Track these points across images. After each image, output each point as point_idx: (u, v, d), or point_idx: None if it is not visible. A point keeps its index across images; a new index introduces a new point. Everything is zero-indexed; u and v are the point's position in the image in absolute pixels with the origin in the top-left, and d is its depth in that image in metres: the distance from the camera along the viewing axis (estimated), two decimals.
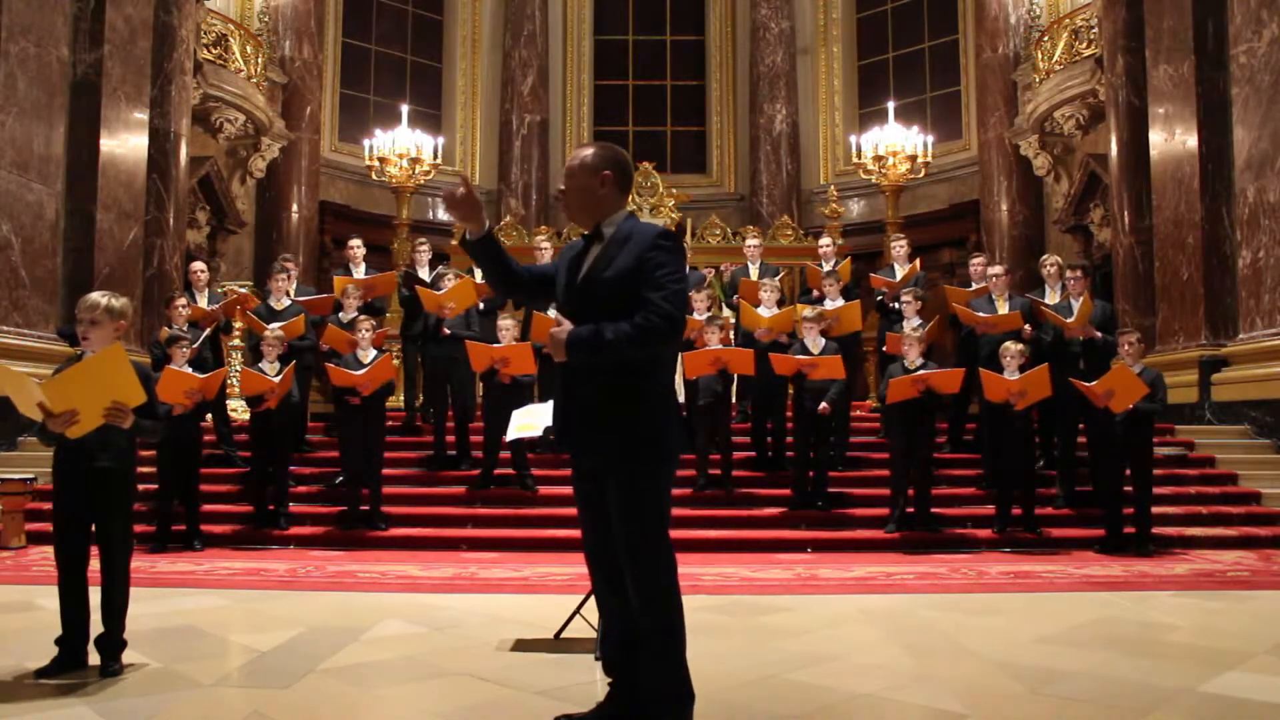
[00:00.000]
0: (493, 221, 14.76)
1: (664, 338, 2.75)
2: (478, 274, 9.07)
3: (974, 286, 8.52)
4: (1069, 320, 7.52)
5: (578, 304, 2.88)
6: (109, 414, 3.45)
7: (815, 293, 8.77)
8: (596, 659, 3.80)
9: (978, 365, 7.66)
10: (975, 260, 8.86)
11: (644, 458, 2.79)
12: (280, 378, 7.10)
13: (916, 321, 8.00)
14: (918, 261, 9.16)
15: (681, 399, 8.76)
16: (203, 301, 8.45)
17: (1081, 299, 7.65)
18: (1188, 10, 9.83)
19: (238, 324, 9.34)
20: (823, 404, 7.28)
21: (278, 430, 7.25)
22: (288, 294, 8.56)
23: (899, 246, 9.15)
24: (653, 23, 18.14)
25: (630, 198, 12.74)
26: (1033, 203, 14.14)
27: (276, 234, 14.05)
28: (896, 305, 8.67)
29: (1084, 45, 12.55)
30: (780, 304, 8.43)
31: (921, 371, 7.05)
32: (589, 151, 2.96)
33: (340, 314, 8.38)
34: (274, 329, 7.58)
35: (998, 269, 8.40)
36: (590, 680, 3.56)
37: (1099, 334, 7.52)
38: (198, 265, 8.79)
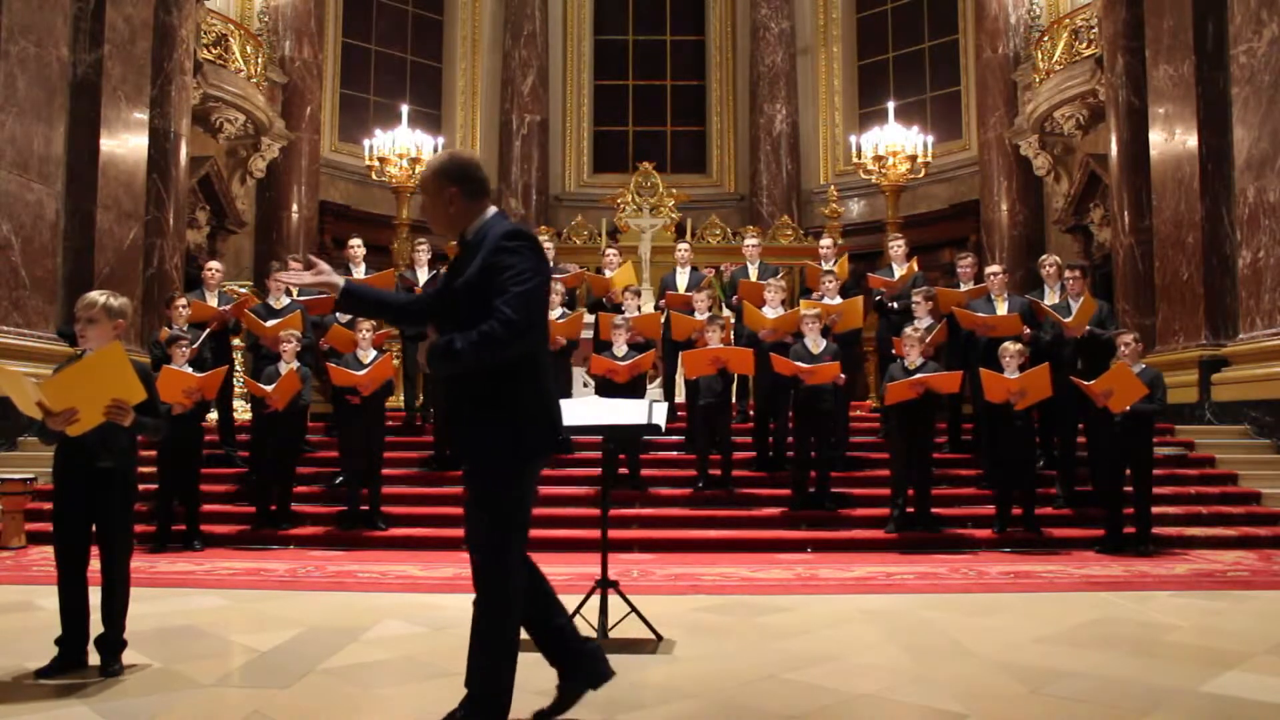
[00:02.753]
0: None
1: (506, 343, 2.70)
2: None
3: (963, 288, 8.50)
4: (1068, 320, 7.51)
5: (442, 314, 2.88)
6: (109, 412, 3.44)
7: (816, 293, 8.75)
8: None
9: (971, 366, 7.64)
10: (964, 261, 8.84)
11: (498, 460, 2.80)
12: (274, 386, 7.07)
13: (928, 321, 7.98)
14: (914, 261, 9.13)
15: (681, 399, 8.78)
16: (212, 300, 8.45)
17: (1083, 298, 7.63)
18: (1188, 10, 9.83)
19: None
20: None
21: (286, 432, 7.25)
22: (286, 293, 8.55)
23: (896, 247, 9.13)
24: (653, 23, 18.15)
25: (631, 197, 12.80)
26: (1033, 203, 14.14)
27: (276, 234, 14.05)
28: (895, 306, 8.66)
29: (1084, 45, 12.55)
30: (784, 304, 8.42)
31: (920, 375, 7.05)
32: (428, 172, 2.92)
33: (343, 314, 8.37)
34: (288, 332, 7.51)
35: (996, 268, 8.39)
36: None
37: (1102, 332, 7.50)
38: (214, 265, 8.79)
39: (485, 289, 2.74)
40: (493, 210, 2.91)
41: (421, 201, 2.95)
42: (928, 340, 7.51)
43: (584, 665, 3.03)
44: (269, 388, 7.07)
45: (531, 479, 2.90)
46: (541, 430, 2.87)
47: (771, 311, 8.09)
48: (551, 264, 9.62)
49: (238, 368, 9.70)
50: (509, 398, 2.81)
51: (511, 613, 2.83)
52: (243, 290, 9.72)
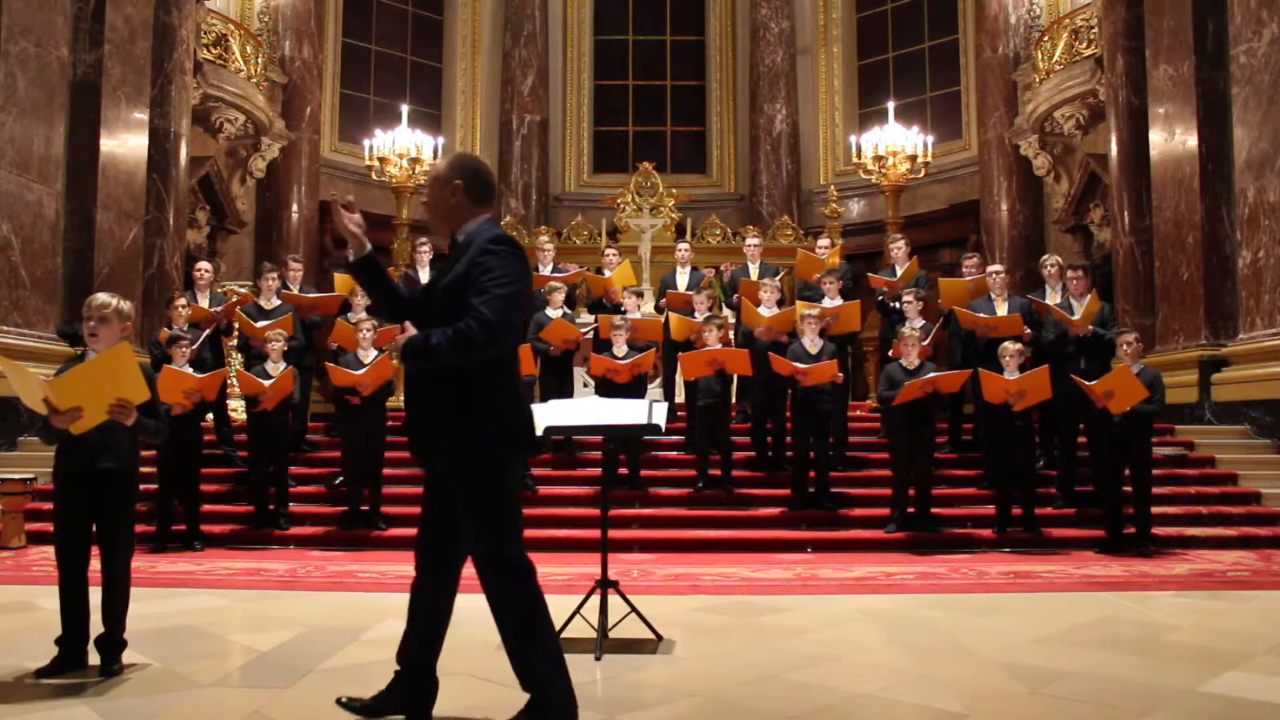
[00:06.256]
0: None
1: (481, 343, 2.75)
2: None
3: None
4: (1074, 318, 7.50)
5: (424, 312, 2.94)
6: (113, 410, 3.45)
7: (812, 293, 8.73)
8: (597, 659, 3.81)
9: (975, 365, 7.64)
10: (969, 261, 8.85)
11: (485, 462, 2.83)
12: (271, 381, 7.08)
13: (920, 322, 7.98)
14: (915, 260, 9.13)
15: (681, 399, 8.78)
16: (204, 301, 8.44)
17: (1088, 298, 7.62)
18: (1188, 10, 9.82)
19: (237, 325, 9.34)
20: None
21: (275, 431, 7.25)
22: (277, 294, 8.55)
23: (897, 248, 9.13)
24: (653, 23, 18.14)
25: (631, 197, 12.80)
26: (1033, 203, 14.12)
27: (276, 234, 14.04)
28: (897, 305, 8.67)
29: (1084, 45, 12.55)
30: (780, 304, 8.43)
31: (931, 374, 7.04)
32: (442, 164, 3.03)
33: (350, 314, 8.37)
34: (275, 331, 7.53)
35: (997, 267, 8.39)
36: (591, 680, 3.56)
37: (1104, 331, 7.49)
38: (203, 265, 8.79)
39: (466, 289, 2.80)
40: (486, 217, 2.99)
41: (427, 193, 3.02)
42: (926, 341, 7.51)
43: (416, 691, 3.01)
44: (266, 383, 7.08)
45: (516, 478, 2.94)
46: (522, 431, 2.94)
47: (766, 311, 8.10)
48: (552, 265, 9.65)
49: (234, 366, 9.71)
50: (487, 400, 2.84)
51: (536, 604, 2.83)
52: (242, 290, 9.72)
